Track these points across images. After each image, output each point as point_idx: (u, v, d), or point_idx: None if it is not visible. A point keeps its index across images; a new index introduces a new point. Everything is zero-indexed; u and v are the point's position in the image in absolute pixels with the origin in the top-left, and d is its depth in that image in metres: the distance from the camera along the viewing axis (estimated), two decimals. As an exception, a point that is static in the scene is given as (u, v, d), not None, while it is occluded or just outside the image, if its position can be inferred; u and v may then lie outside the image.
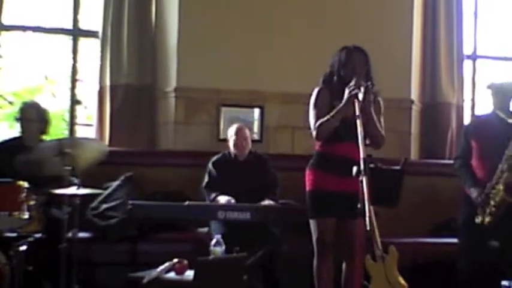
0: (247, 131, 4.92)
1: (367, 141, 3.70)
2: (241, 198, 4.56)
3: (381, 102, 3.81)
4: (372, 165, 3.37)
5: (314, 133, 3.70)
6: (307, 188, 3.75)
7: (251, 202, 4.48)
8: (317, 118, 3.69)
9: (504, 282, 4.14)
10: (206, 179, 4.80)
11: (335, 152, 3.61)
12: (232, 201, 4.52)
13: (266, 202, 4.56)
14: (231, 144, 4.84)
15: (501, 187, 4.12)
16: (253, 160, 4.88)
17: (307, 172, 3.77)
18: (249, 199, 4.54)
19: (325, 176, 3.66)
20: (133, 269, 3.88)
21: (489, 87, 4.55)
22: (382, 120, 3.78)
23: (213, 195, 4.63)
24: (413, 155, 6.05)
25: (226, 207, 4.39)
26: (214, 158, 4.89)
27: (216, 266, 3.75)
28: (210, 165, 4.84)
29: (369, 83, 3.56)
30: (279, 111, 5.76)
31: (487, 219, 4.14)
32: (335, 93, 3.67)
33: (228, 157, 4.87)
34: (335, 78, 3.72)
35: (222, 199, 4.56)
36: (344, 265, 3.76)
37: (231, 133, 4.87)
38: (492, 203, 4.13)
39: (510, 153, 4.11)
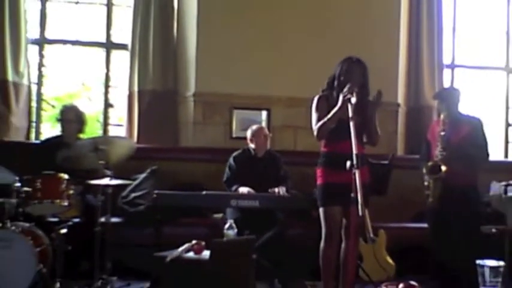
0: (267, 131, 4.90)
1: (364, 139, 3.69)
2: (256, 189, 4.52)
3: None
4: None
5: (315, 134, 3.72)
6: (318, 182, 3.74)
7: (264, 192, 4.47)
8: (317, 121, 3.70)
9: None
10: (227, 172, 4.78)
11: (337, 150, 3.58)
12: (252, 192, 4.49)
13: (279, 188, 4.53)
14: (253, 143, 4.81)
15: (424, 171, 4.16)
16: (269, 157, 4.86)
17: (317, 170, 3.76)
18: (263, 190, 4.51)
19: (331, 172, 3.63)
20: (157, 249, 3.88)
21: (434, 97, 4.59)
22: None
23: (234, 187, 4.60)
24: (400, 151, 6.04)
25: (238, 196, 4.38)
26: (235, 153, 4.86)
27: (229, 246, 3.75)
28: (231, 160, 4.81)
29: (380, 92, 3.58)
30: (284, 113, 5.74)
31: (430, 199, 4.15)
32: (334, 97, 3.66)
33: (248, 153, 4.84)
34: (336, 82, 3.71)
35: (243, 190, 4.51)
36: (343, 245, 3.73)
37: (252, 133, 4.83)
38: (428, 186, 4.17)
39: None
